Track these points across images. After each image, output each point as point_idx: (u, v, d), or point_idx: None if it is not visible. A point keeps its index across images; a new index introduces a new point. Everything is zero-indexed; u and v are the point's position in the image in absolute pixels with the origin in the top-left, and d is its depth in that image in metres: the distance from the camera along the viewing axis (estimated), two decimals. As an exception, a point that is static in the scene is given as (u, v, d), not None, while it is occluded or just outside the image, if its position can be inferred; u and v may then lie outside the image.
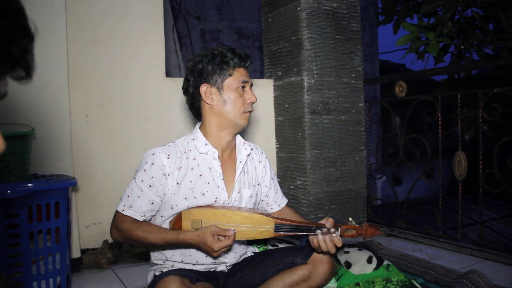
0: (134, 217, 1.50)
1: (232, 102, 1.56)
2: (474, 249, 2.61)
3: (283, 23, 3.02)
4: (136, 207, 1.50)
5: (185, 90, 1.64)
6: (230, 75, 1.56)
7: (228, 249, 1.49)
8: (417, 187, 3.21)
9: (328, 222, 1.47)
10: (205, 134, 1.61)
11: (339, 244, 1.45)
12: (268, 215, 1.51)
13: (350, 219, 1.54)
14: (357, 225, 1.50)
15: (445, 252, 2.67)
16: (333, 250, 1.46)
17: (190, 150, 1.59)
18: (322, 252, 1.50)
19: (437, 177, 2.92)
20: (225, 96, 1.56)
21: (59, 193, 1.94)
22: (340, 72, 2.99)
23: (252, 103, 1.61)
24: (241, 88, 1.58)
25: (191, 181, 1.54)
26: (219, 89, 1.56)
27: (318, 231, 1.46)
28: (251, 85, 1.63)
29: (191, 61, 1.62)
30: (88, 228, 2.60)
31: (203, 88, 1.57)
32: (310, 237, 1.51)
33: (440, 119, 2.83)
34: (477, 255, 2.55)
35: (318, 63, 2.90)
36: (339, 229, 1.47)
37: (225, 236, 1.40)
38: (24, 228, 1.84)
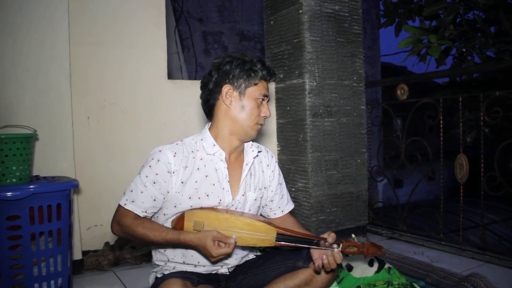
0: (135, 212, 1.51)
1: (249, 110, 1.57)
2: (475, 252, 2.61)
3: (285, 25, 3.02)
4: (138, 202, 1.51)
5: (204, 84, 1.63)
6: (255, 85, 1.58)
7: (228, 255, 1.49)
8: (419, 190, 3.21)
9: (330, 236, 1.46)
10: (215, 135, 1.61)
11: (339, 261, 1.44)
12: (270, 223, 1.50)
13: (353, 235, 1.53)
14: (359, 243, 1.49)
15: (446, 255, 2.67)
16: (334, 266, 1.45)
17: (197, 150, 1.59)
18: (322, 268, 1.50)
19: (439, 179, 2.92)
20: (244, 102, 1.57)
21: (60, 195, 1.94)
22: (342, 74, 3.00)
23: (266, 117, 1.62)
24: (260, 100, 1.59)
25: (196, 181, 1.55)
26: (241, 94, 1.57)
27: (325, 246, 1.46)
28: (268, 100, 1.65)
29: (219, 59, 1.61)
30: (90, 230, 2.60)
31: (226, 88, 1.57)
32: (311, 250, 1.51)
33: (441, 121, 2.83)
34: (479, 258, 2.55)
35: (320, 66, 2.90)
36: (341, 244, 1.46)
37: (225, 243, 1.40)
38: (25, 230, 1.85)
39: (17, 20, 2.23)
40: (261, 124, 1.62)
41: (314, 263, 1.49)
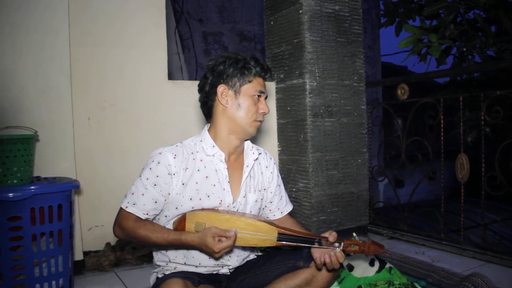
0: (137, 214, 1.51)
1: (246, 108, 1.57)
2: (476, 251, 2.61)
3: (285, 25, 3.02)
4: (140, 205, 1.51)
5: (201, 87, 1.64)
6: (250, 82, 1.58)
7: (231, 251, 1.49)
8: (419, 190, 3.21)
9: (331, 235, 1.46)
10: (214, 136, 1.62)
11: (341, 260, 1.44)
12: (271, 223, 1.50)
13: (354, 234, 1.52)
14: (361, 242, 1.49)
15: (447, 254, 2.67)
16: (337, 266, 1.45)
17: (197, 152, 1.60)
18: (324, 266, 1.49)
19: (439, 179, 2.92)
20: (240, 100, 1.57)
21: (61, 195, 1.94)
22: (342, 74, 2.99)
23: (264, 113, 1.62)
24: (256, 96, 1.59)
25: (197, 182, 1.55)
26: (236, 92, 1.57)
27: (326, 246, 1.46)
28: (266, 97, 1.64)
29: (212, 60, 1.62)
30: (91, 230, 2.60)
31: (221, 88, 1.58)
32: (312, 250, 1.51)
33: (442, 121, 2.83)
34: (480, 258, 2.54)
35: (320, 66, 2.90)
36: (342, 243, 1.46)
37: (225, 237, 1.40)
38: (27, 231, 1.85)
39: (17, 20, 2.24)
40: (260, 121, 1.62)
41: (315, 262, 1.50)
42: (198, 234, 1.43)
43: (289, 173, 3.09)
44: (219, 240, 1.40)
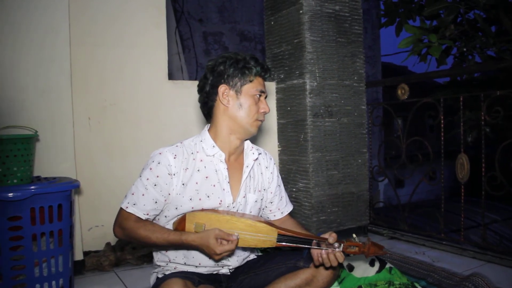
0: (137, 214, 1.51)
1: (247, 108, 1.58)
2: (476, 251, 2.61)
3: (285, 26, 3.02)
4: (140, 205, 1.51)
5: (201, 88, 1.64)
6: (251, 81, 1.58)
7: (231, 252, 1.49)
8: (419, 190, 3.21)
9: (331, 237, 1.46)
10: (214, 136, 1.62)
11: (341, 260, 1.45)
12: (271, 224, 1.51)
13: (354, 235, 1.53)
14: (360, 243, 1.49)
15: (447, 254, 2.67)
16: (334, 263, 1.45)
17: (197, 152, 1.59)
18: (322, 265, 1.49)
19: (439, 179, 2.92)
20: (241, 100, 1.58)
21: (62, 195, 1.94)
22: (342, 74, 2.99)
23: (265, 113, 1.63)
24: (257, 96, 1.60)
25: (197, 183, 1.55)
26: (237, 92, 1.58)
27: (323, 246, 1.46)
28: (266, 97, 1.65)
29: (212, 61, 1.62)
30: (91, 230, 2.60)
31: (222, 88, 1.58)
32: (312, 250, 1.51)
33: (442, 121, 2.83)
34: (480, 258, 2.54)
35: (320, 66, 2.90)
36: (342, 244, 1.46)
37: (228, 241, 1.40)
38: (27, 231, 1.85)
39: (17, 20, 2.23)
40: (261, 120, 1.63)
41: (313, 260, 1.50)
42: (199, 234, 1.43)
43: (289, 173, 3.09)
44: (221, 243, 1.40)
